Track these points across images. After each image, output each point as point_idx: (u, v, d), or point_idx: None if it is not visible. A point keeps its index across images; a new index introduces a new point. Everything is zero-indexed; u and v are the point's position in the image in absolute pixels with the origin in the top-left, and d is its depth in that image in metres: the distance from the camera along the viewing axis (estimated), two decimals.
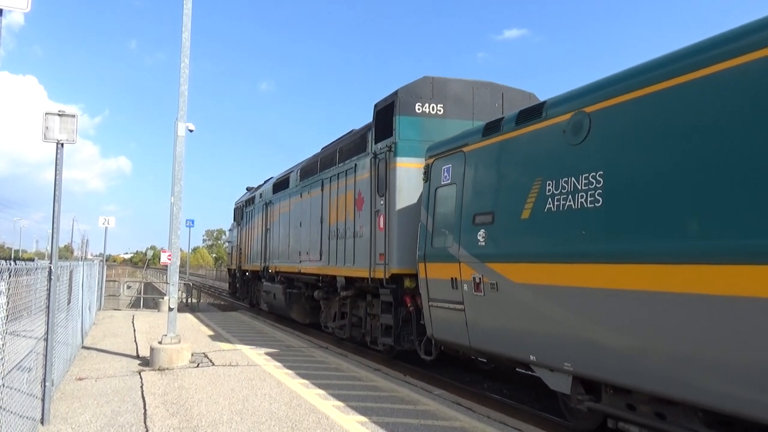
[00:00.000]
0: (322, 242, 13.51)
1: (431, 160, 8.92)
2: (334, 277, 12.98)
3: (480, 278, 7.43)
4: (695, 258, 4.75)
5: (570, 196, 6.06)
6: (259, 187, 21.69)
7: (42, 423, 6.06)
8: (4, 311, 4.28)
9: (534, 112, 6.91)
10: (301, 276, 15.35)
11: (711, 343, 4.62)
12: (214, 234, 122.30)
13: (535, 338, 6.51)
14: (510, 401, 8.17)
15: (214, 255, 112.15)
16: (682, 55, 5.21)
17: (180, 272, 15.01)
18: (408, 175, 10.01)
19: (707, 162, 4.77)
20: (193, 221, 34.78)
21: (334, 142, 14.11)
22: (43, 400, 6.09)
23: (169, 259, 10.66)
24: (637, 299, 5.20)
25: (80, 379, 8.48)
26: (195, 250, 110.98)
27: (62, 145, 6.51)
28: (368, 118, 11.43)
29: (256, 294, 21.40)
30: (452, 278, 8.02)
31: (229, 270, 28.27)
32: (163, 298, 20.36)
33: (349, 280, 12.10)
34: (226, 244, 30.74)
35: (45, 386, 6.08)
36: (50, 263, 6.27)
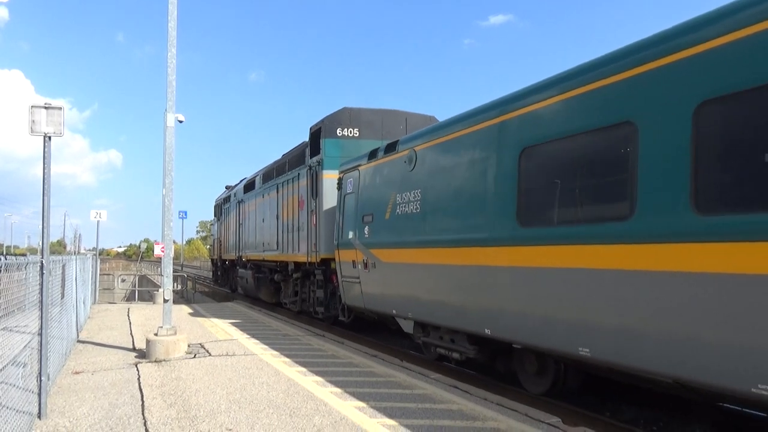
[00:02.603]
0: (278, 235, 16.70)
1: (342, 174, 11.93)
2: (287, 263, 16.21)
3: (367, 259, 10.52)
4: (453, 245, 7.95)
5: (407, 205, 9.21)
6: (235, 186, 24.79)
7: (39, 417, 6.05)
8: None
9: (393, 146, 10.00)
10: (265, 263, 18.62)
11: (458, 293, 7.96)
12: (208, 225, 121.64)
13: (395, 298, 9.76)
14: (506, 384, 8.23)
15: (208, 246, 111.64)
16: (442, 126, 8.73)
17: (174, 264, 15.46)
18: (332, 184, 12.68)
19: (473, 183, 7.68)
20: (186, 213, 34.77)
21: (286, 153, 17.14)
22: (39, 394, 6.07)
23: (163, 251, 10.61)
24: (434, 270, 8.49)
25: (77, 372, 8.47)
26: (189, 241, 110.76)
27: (49, 138, 6.42)
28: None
29: (234, 280, 24.55)
30: (353, 260, 11.14)
31: (212, 260, 31.53)
32: (158, 291, 20.32)
33: (297, 265, 15.34)
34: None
35: (41, 380, 6.06)
36: (41, 258, 6.22)
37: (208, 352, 9.97)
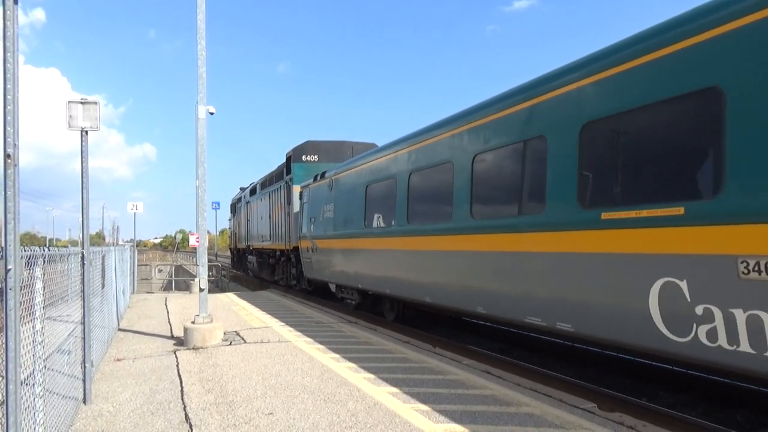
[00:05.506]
0: (270, 229, 22.78)
1: (301, 189, 17.60)
2: (275, 250, 22.10)
3: (313, 246, 15.87)
4: (346, 236, 13.23)
5: (329, 212, 14.45)
6: (245, 189, 31.33)
7: (84, 402, 6.29)
8: (41, 296, 4.40)
9: (324, 174, 15.18)
10: (264, 250, 24.60)
11: (347, 264, 13.34)
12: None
13: (325, 270, 15.02)
14: (539, 368, 8.18)
15: None
16: (341, 165, 14.23)
17: (209, 254, 16.61)
18: (298, 195, 18.03)
19: (351, 202, 13.04)
20: (219, 203, 35.11)
21: (275, 168, 22.63)
22: (84, 380, 6.30)
23: (198, 242, 10.82)
24: (339, 251, 13.83)
25: (118, 360, 8.75)
26: (222, 231, 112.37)
27: (86, 132, 6.59)
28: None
29: (245, 265, 31.24)
30: (307, 247, 16.58)
31: (230, 249, 40.03)
32: (193, 280, 20.78)
33: (281, 251, 21.15)
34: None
35: (85, 367, 6.29)
36: (82, 249, 6.41)
37: (243, 339, 10.17)
